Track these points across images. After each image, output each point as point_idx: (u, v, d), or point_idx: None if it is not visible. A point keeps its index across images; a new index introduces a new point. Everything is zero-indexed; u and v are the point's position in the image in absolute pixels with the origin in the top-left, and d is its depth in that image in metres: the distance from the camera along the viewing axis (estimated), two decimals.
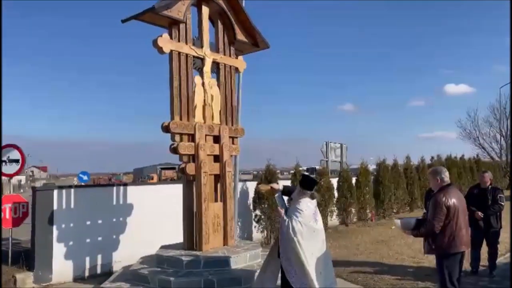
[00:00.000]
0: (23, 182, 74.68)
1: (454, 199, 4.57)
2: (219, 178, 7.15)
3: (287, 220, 4.61)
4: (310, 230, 4.60)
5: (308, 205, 4.68)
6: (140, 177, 69.49)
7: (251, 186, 10.90)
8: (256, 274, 5.50)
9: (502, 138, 31.49)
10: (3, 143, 7.57)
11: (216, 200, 7.10)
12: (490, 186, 7.08)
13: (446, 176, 4.77)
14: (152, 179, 57.16)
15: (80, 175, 27.69)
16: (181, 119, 6.58)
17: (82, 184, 24.43)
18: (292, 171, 12.46)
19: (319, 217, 4.86)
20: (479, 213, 6.87)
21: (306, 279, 4.51)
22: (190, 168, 6.63)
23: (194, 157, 6.71)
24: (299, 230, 4.52)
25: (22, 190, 48.59)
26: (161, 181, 48.11)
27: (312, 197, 4.75)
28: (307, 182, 4.82)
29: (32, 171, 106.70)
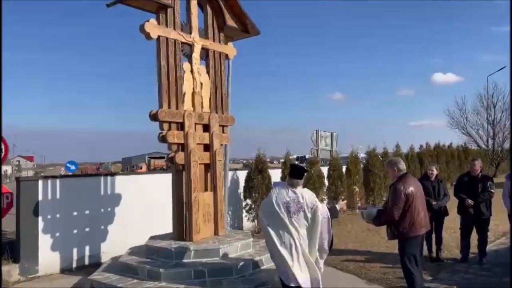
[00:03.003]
0: (9, 172, 73.68)
1: (412, 187, 4.83)
2: (209, 168, 7.03)
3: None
4: (277, 216, 4.41)
5: (282, 192, 4.49)
6: (129, 166, 69.05)
7: (242, 175, 10.81)
8: None
9: (489, 126, 31.73)
10: None
11: (206, 190, 6.98)
12: (480, 174, 7.09)
13: (402, 165, 5.05)
14: (141, 168, 56.77)
15: (68, 164, 27.29)
16: (169, 107, 6.41)
17: (70, 174, 24.09)
18: (282, 160, 12.39)
19: (302, 210, 4.42)
20: (469, 200, 6.88)
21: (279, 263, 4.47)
22: (179, 157, 6.49)
23: (183, 146, 6.56)
24: (264, 213, 4.52)
25: (8, 180, 47.86)
26: (150, 170, 47.81)
27: (293, 186, 4.53)
28: (293, 172, 4.67)
29: (19, 161, 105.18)
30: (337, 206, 5.14)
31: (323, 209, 4.54)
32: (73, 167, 26.73)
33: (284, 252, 4.38)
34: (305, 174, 4.87)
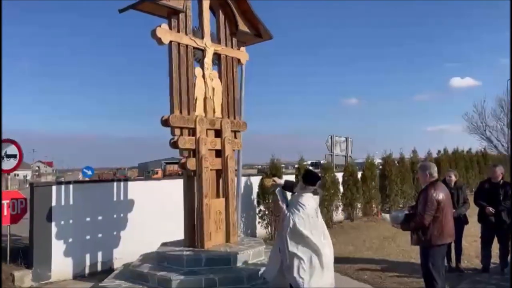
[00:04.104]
0: (28, 177, 75.08)
1: (443, 194, 4.76)
2: (221, 173, 6.95)
3: (288, 214, 4.49)
4: (313, 224, 4.51)
5: (310, 201, 4.56)
6: (145, 171, 69.58)
7: (255, 181, 10.70)
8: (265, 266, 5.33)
9: (510, 131, 30.85)
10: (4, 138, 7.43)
11: (218, 196, 6.90)
12: (501, 181, 6.82)
13: (435, 171, 4.94)
14: (157, 173, 57.12)
15: (84, 170, 27.65)
16: (181, 112, 6.37)
17: (86, 179, 24.38)
18: (297, 166, 12.25)
19: (319, 216, 4.73)
20: (490, 208, 6.64)
21: (310, 273, 4.40)
22: (191, 163, 6.43)
23: (194, 152, 6.50)
24: (302, 223, 4.42)
25: (27, 185, 48.73)
26: (165, 176, 48.04)
27: (314, 193, 4.63)
28: (310, 177, 4.73)
29: (38, 166, 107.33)
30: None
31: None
32: (89, 172, 27.05)
33: (316, 257, 4.43)
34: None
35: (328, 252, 4.57)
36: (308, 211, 4.46)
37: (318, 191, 4.67)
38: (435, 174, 4.92)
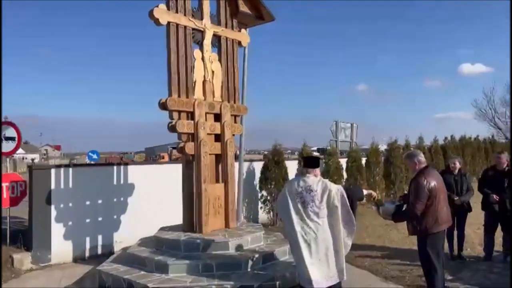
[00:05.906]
0: (36, 160, 75.72)
1: (434, 181, 4.63)
2: (220, 158, 6.85)
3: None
4: (286, 207, 4.42)
5: (293, 183, 4.48)
6: (151, 156, 69.97)
7: (257, 166, 10.62)
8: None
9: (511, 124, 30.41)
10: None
11: (217, 181, 6.81)
12: (507, 168, 6.66)
13: (422, 157, 4.85)
14: (163, 158, 57.35)
15: (90, 153, 27.76)
16: (179, 95, 6.24)
17: (92, 162, 24.48)
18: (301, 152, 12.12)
19: (316, 200, 4.30)
20: (494, 196, 6.50)
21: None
22: (189, 148, 6.34)
23: (193, 136, 6.40)
24: (278, 206, 4.66)
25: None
26: (171, 160, 48.23)
27: (302, 174, 4.53)
28: (304, 161, 4.78)
29: (46, 150, 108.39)
30: (365, 191, 5.06)
31: (338, 191, 4.41)
32: (95, 156, 27.15)
33: (303, 246, 4.29)
34: (317, 162, 4.70)
35: (320, 244, 4.35)
36: (286, 194, 4.44)
37: (304, 171, 4.52)
38: (423, 160, 4.82)
